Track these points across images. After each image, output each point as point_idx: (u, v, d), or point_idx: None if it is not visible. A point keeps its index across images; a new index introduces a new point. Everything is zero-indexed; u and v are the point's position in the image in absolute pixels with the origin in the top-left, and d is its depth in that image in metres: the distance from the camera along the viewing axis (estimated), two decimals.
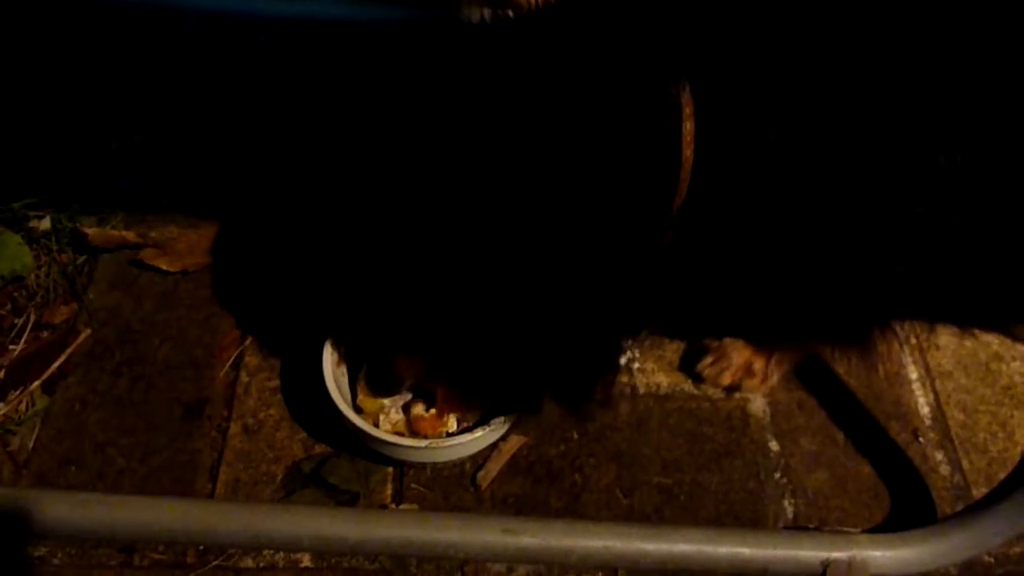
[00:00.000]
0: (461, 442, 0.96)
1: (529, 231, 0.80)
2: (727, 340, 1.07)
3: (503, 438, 1.02)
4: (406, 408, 1.02)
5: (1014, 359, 1.15)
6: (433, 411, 1.01)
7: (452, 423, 1.01)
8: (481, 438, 0.97)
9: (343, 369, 1.02)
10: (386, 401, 1.02)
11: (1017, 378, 1.13)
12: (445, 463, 1.00)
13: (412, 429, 1.00)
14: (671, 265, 0.86)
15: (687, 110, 0.77)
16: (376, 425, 0.99)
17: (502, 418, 0.98)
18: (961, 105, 0.76)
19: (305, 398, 1.06)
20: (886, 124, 0.76)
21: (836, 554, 0.93)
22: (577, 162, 0.78)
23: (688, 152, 0.78)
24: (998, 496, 0.92)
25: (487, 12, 0.89)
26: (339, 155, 1.26)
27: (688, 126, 0.77)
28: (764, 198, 0.81)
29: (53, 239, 1.18)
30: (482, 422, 0.99)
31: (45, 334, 1.11)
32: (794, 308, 0.94)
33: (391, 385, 1.02)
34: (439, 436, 0.99)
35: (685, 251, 0.85)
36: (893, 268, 0.83)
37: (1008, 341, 1.16)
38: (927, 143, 0.75)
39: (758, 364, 1.06)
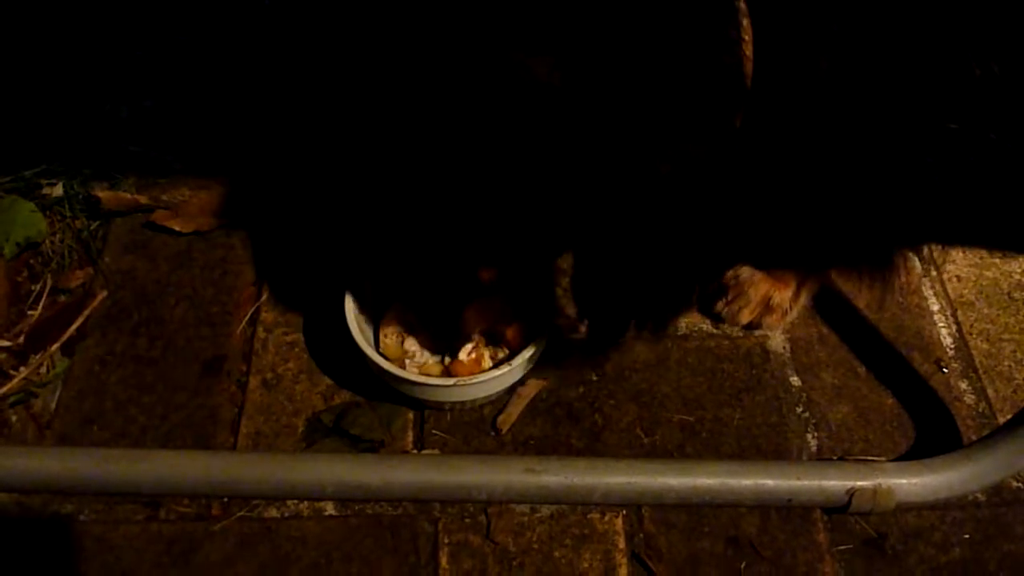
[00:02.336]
0: (492, 376, 0.96)
1: (601, 151, 0.78)
2: (745, 275, 1.05)
3: (522, 382, 1.01)
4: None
5: None
6: (473, 355, 1.00)
7: (488, 363, 1.01)
8: (509, 373, 0.97)
9: (365, 317, 1.02)
10: (411, 348, 1.01)
11: None
12: (472, 402, 1.00)
13: (448, 372, 1.00)
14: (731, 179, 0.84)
15: (746, 20, 0.75)
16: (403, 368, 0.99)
17: (531, 351, 0.97)
18: (995, 13, 0.74)
19: (323, 349, 1.06)
20: (921, 33, 0.74)
21: (861, 483, 0.92)
22: (642, 72, 0.76)
23: (749, 53, 0.75)
24: (1022, 418, 0.91)
25: None
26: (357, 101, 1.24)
27: (748, 37, 0.75)
28: (814, 118, 0.79)
29: (66, 205, 1.18)
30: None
31: (62, 298, 1.11)
32: (820, 230, 0.92)
33: (458, 338, 1.00)
34: None
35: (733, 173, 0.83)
36: (926, 186, 0.81)
37: None
38: (961, 52, 0.73)
39: (777, 298, 1.05)
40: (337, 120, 1.26)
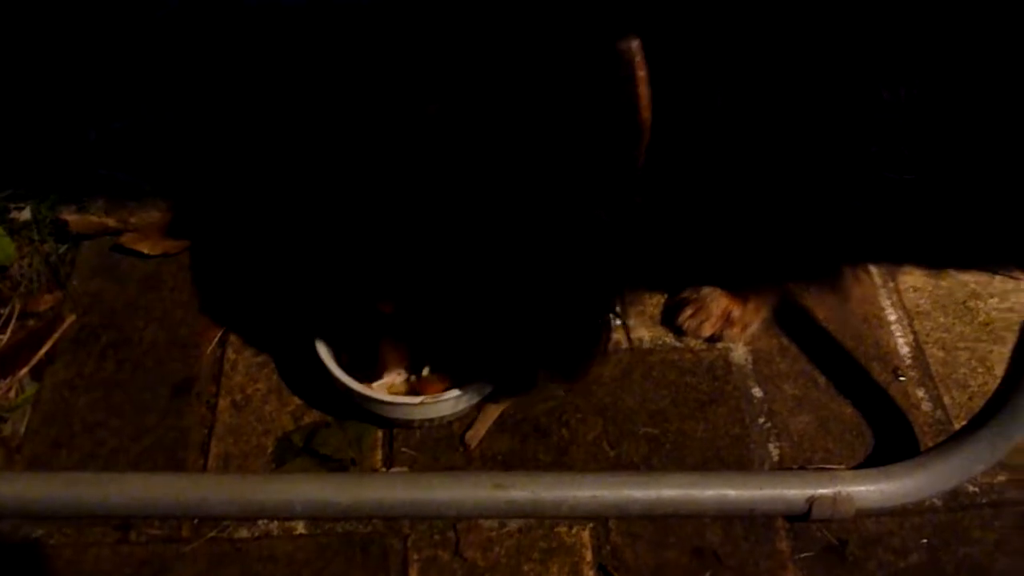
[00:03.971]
0: (454, 396, 0.97)
1: (499, 207, 0.81)
2: (705, 290, 1.08)
3: (492, 397, 1.02)
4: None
5: (991, 296, 1.16)
6: (436, 374, 1.02)
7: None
8: (474, 392, 0.98)
9: (329, 345, 1.03)
10: None
11: (995, 314, 1.14)
12: (439, 419, 1.01)
13: (415, 391, 1.01)
14: (645, 222, 0.87)
15: (640, 67, 0.78)
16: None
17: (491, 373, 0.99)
18: (897, 45, 0.78)
19: (293, 370, 1.07)
20: (828, 62, 0.77)
21: (821, 491, 0.94)
22: (543, 132, 0.79)
23: (645, 102, 0.79)
24: (977, 424, 0.94)
25: None
26: (308, 139, 1.26)
27: (642, 80, 0.78)
28: (722, 149, 0.82)
29: (35, 229, 1.19)
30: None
31: (31, 323, 1.11)
32: (765, 251, 0.96)
33: (374, 371, 1.02)
34: None
35: (657, 206, 0.86)
36: (852, 204, 0.84)
37: (984, 279, 1.18)
38: (868, 79, 0.77)
39: (737, 312, 1.07)
40: (297, 147, 1.27)
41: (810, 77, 0.80)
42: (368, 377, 1.01)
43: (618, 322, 0.95)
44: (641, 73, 0.77)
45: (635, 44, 0.77)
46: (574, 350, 0.96)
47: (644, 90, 0.77)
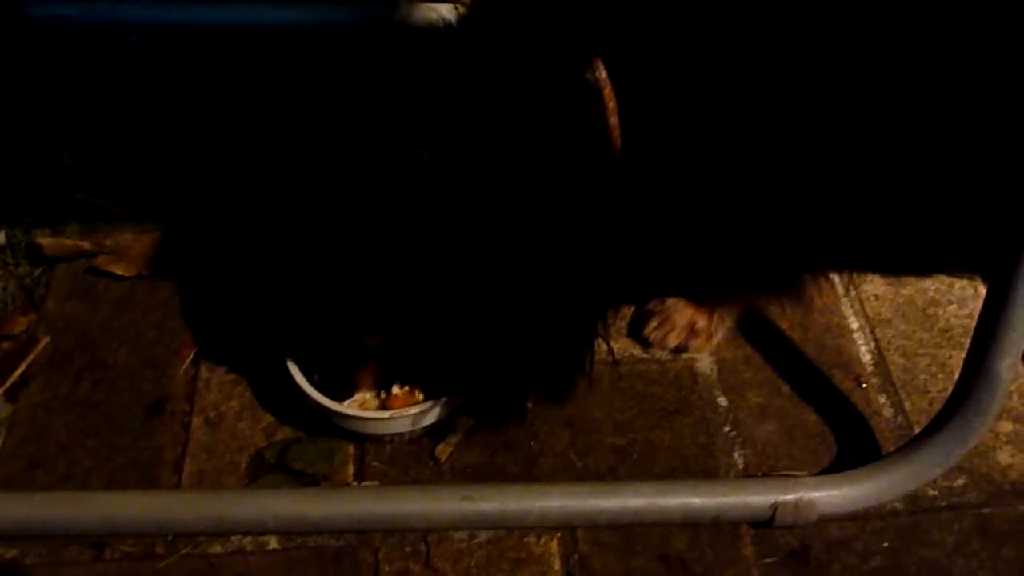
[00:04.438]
0: (423, 409, 0.99)
1: (484, 236, 0.83)
2: (670, 302, 1.10)
3: (460, 410, 1.04)
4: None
5: (950, 303, 1.19)
6: (406, 388, 1.03)
7: (421, 397, 1.03)
8: (443, 405, 1.00)
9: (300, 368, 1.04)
10: None
11: (954, 320, 1.17)
12: (410, 433, 1.02)
13: (384, 407, 1.02)
14: (617, 238, 0.90)
15: (609, 98, 0.81)
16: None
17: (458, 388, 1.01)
18: (843, 67, 0.81)
19: (266, 386, 1.08)
20: (781, 81, 0.81)
21: (784, 496, 0.96)
22: (515, 155, 0.82)
23: (616, 132, 0.82)
24: (934, 429, 0.97)
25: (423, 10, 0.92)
26: (278, 160, 1.28)
27: (612, 111, 0.81)
28: (689, 165, 0.85)
29: (9, 253, 1.20)
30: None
31: (5, 345, 1.13)
32: (729, 262, 0.98)
33: (345, 390, 1.03)
34: None
35: (626, 223, 0.89)
36: (810, 214, 0.87)
37: (944, 287, 1.20)
38: (821, 97, 0.80)
39: (701, 323, 1.09)
40: (266, 171, 1.29)
41: (769, 93, 0.83)
42: (340, 397, 1.02)
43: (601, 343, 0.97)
44: (611, 104, 0.80)
45: (603, 76, 0.80)
46: (561, 373, 0.98)
47: (614, 120, 0.80)
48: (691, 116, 0.82)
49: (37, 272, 1.20)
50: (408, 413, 0.99)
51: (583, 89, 0.81)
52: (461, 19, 0.91)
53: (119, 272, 1.19)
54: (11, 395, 1.08)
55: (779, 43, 0.83)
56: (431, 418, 1.01)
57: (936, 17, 0.84)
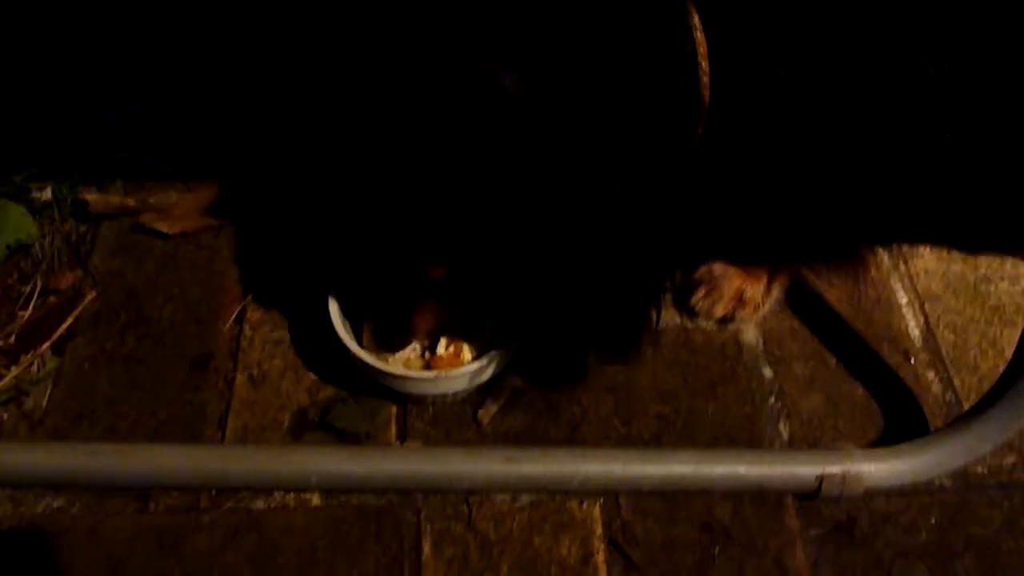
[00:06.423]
0: (471, 370, 0.98)
1: (564, 181, 0.81)
2: (718, 270, 1.09)
3: (504, 373, 1.04)
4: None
5: (1002, 279, 1.17)
6: (452, 349, 1.03)
7: (468, 357, 1.03)
8: (488, 367, 0.99)
9: (346, 321, 1.04)
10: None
11: (1005, 298, 1.15)
12: (453, 395, 1.02)
13: (429, 367, 1.02)
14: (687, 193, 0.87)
15: (700, 43, 0.78)
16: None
17: (509, 345, 1.00)
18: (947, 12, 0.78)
19: (308, 346, 1.08)
20: (873, 33, 0.77)
21: (830, 469, 0.95)
22: (603, 93, 0.79)
23: (705, 79, 0.79)
24: (986, 404, 0.95)
25: None
26: (337, 105, 1.27)
27: (703, 55, 0.79)
28: (775, 124, 0.82)
29: (55, 209, 1.21)
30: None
31: (52, 299, 1.13)
32: (792, 227, 0.95)
33: (403, 338, 1.03)
34: None
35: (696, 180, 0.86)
36: (888, 182, 0.84)
37: (995, 263, 1.18)
38: (914, 49, 0.77)
39: (750, 292, 1.08)
40: (315, 124, 1.29)
41: (862, 50, 0.79)
42: (397, 344, 1.02)
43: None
44: (702, 49, 0.77)
45: (696, 21, 0.77)
46: (626, 328, 0.96)
47: (705, 66, 0.78)
48: (790, 67, 0.78)
49: (83, 228, 1.21)
50: (466, 371, 0.98)
51: (678, 31, 0.78)
52: None
53: (163, 230, 1.19)
54: (57, 348, 1.09)
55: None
56: (476, 380, 1.00)
57: None
